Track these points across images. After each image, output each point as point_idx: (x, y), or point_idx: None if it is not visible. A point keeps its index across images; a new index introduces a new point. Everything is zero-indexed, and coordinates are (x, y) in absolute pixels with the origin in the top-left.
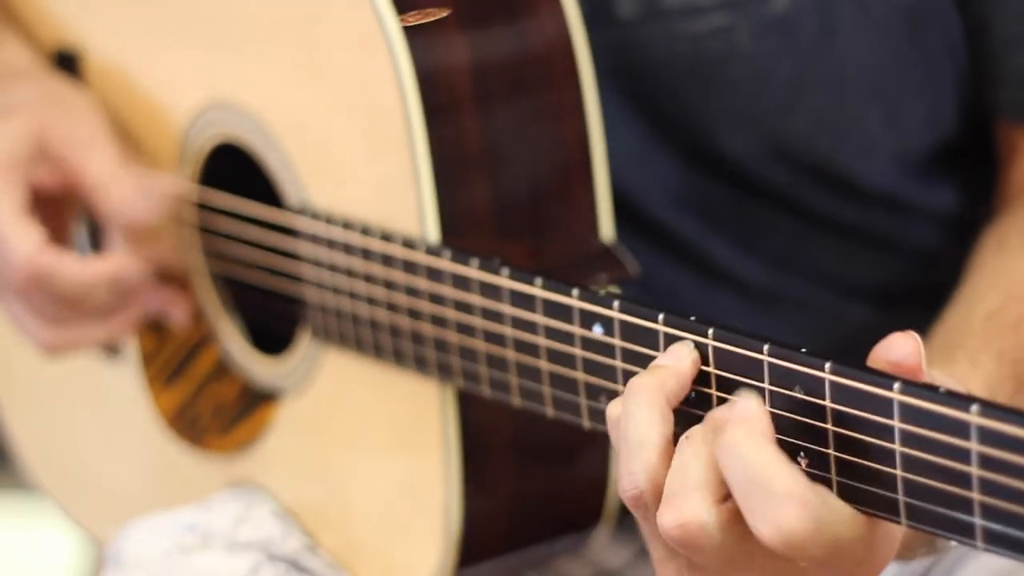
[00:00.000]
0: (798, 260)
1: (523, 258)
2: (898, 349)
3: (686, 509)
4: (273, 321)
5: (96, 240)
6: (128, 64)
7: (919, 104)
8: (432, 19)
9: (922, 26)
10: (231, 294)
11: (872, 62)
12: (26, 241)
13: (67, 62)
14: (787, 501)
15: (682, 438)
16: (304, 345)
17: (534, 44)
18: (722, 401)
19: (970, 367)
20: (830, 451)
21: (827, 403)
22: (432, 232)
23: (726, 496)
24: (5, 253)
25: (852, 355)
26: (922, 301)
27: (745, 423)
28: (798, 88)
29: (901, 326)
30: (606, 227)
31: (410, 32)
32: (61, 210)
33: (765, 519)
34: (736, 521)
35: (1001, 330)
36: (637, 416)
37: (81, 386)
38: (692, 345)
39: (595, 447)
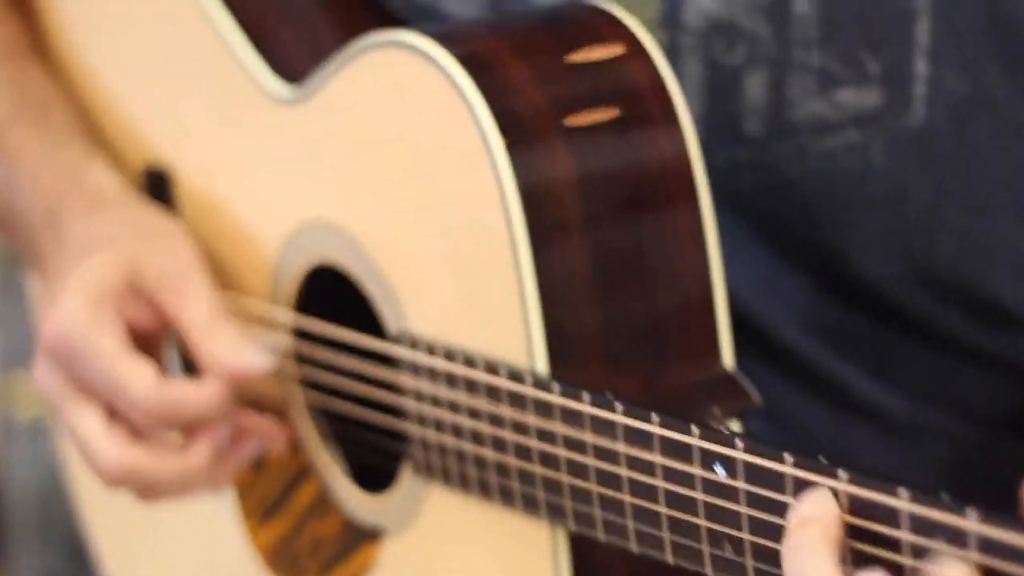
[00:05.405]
0: (941, 390)
1: (637, 387)
2: None
3: None
4: (375, 455)
5: (189, 364)
6: (220, 183)
7: None
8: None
9: None
10: (330, 426)
11: (1015, 177)
12: (143, 379)
13: (157, 181)
14: None
15: None
16: (406, 482)
17: (647, 160)
18: (857, 555)
19: None
20: None
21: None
22: (540, 362)
23: None
24: (122, 395)
25: (1002, 490)
26: None
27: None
28: (939, 206)
29: None
30: (726, 354)
31: (512, 149)
32: (155, 340)
33: None
34: None
35: None
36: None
37: (174, 516)
38: (828, 492)
39: None
